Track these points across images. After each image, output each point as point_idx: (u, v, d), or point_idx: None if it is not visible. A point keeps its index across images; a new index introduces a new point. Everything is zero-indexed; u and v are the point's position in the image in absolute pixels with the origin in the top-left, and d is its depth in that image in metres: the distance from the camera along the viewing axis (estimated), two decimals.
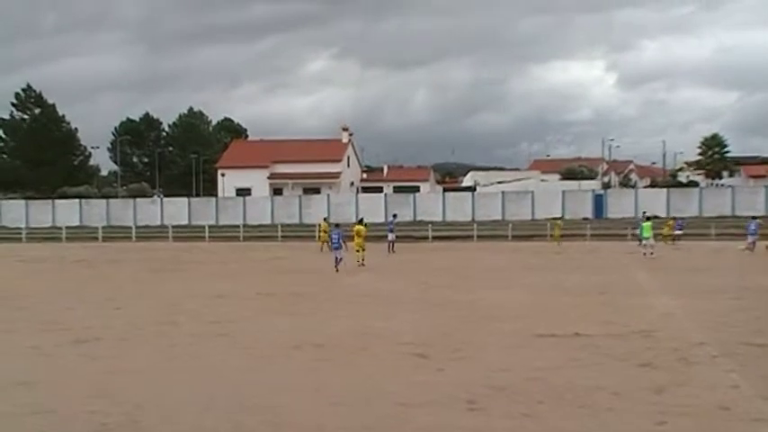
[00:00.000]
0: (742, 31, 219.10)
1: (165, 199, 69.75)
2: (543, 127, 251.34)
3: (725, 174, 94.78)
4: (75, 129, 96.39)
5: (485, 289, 20.99)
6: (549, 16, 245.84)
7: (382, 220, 52.01)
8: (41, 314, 17.28)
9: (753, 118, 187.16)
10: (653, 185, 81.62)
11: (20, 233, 56.40)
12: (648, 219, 35.18)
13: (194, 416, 8.69)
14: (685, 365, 10.96)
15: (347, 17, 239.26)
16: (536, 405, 8.89)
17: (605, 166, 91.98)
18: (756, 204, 55.04)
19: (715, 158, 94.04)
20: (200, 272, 28.82)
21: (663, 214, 52.26)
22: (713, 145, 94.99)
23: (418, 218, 58.92)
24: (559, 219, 47.94)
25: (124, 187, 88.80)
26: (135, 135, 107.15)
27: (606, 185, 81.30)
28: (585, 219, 56.07)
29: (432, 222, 54.48)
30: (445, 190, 76.74)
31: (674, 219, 43.44)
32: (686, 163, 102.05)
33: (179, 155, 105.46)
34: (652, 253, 31.70)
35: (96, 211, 64.15)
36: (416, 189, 75.44)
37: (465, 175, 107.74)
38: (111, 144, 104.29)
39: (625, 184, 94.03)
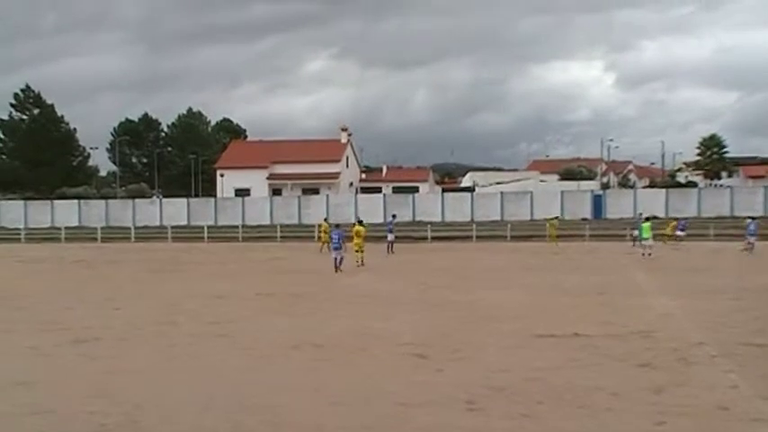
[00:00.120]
0: (741, 32, 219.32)
1: (164, 199, 69.69)
2: (542, 127, 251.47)
3: (724, 174, 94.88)
4: (74, 129, 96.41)
5: (484, 289, 20.99)
6: (549, 16, 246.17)
7: (381, 220, 52.05)
8: (40, 314, 17.27)
9: (752, 118, 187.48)
10: (652, 186, 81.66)
11: (19, 234, 56.38)
12: (648, 219, 35.22)
13: (194, 416, 8.69)
14: (684, 366, 10.97)
15: (347, 17, 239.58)
16: (535, 405, 8.89)
17: (604, 167, 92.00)
18: (755, 205, 55.05)
19: (714, 159, 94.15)
20: (199, 272, 28.82)
21: (662, 215, 52.30)
22: (712, 145, 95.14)
23: (417, 218, 58.89)
24: (555, 218, 47.88)
25: (123, 188, 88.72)
26: (134, 135, 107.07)
27: (605, 186, 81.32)
28: (584, 219, 56.09)
29: (431, 223, 54.49)
30: (444, 190, 76.74)
31: (677, 219, 43.49)
32: (685, 163, 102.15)
33: (178, 155, 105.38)
34: (650, 254, 31.72)
35: (95, 212, 64.10)
36: (415, 189, 75.42)
37: (464, 175, 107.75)
38: (110, 144, 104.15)
39: (624, 184, 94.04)
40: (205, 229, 54.91)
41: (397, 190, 75.92)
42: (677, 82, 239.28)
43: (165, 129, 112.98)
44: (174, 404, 9.19)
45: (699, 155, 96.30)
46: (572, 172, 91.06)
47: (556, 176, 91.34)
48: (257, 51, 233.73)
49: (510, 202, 60.34)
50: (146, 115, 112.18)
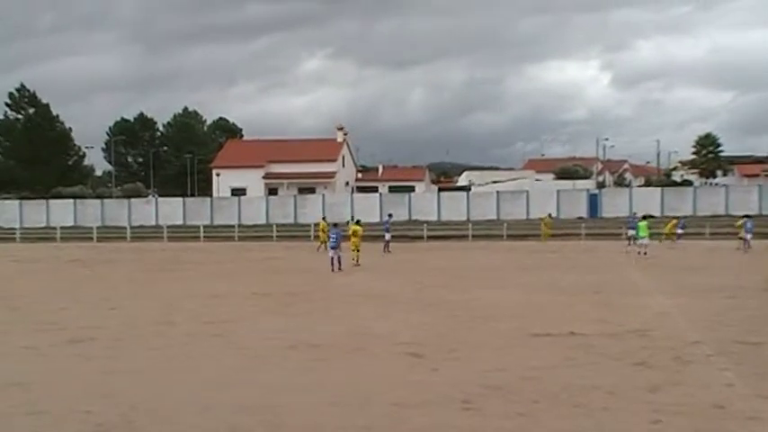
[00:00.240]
0: (737, 32, 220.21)
1: (160, 199, 69.63)
2: (538, 126, 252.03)
3: (719, 173, 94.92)
4: (70, 128, 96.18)
5: (480, 288, 21.01)
6: (546, 16, 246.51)
7: (377, 219, 52.07)
8: (36, 314, 17.24)
9: (747, 118, 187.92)
10: (647, 185, 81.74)
11: (14, 233, 56.32)
12: (645, 218, 35.29)
13: (190, 416, 8.68)
14: (680, 364, 10.98)
15: (343, 17, 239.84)
16: (531, 404, 8.90)
17: (600, 166, 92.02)
18: (750, 203, 55.18)
19: (709, 158, 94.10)
20: (195, 272, 28.79)
21: (657, 213, 52.42)
22: (707, 144, 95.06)
23: (413, 217, 58.96)
24: (548, 216, 47.92)
25: (119, 187, 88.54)
26: (129, 135, 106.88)
27: (601, 185, 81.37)
28: (580, 218, 56.16)
29: (427, 222, 54.54)
30: (440, 190, 76.77)
31: (677, 218, 43.66)
32: (680, 162, 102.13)
33: (174, 155, 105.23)
34: (645, 252, 31.78)
35: (91, 212, 64.05)
36: (411, 189, 75.43)
37: (460, 174, 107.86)
38: (106, 144, 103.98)
39: (620, 183, 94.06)
40: (201, 228, 54.90)
41: (393, 189, 75.91)
42: (673, 81, 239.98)
43: (161, 128, 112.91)
44: (170, 405, 9.18)
45: (694, 154, 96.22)
46: (568, 171, 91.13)
47: (552, 175, 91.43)
48: (253, 51, 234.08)
49: (506, 201, 60.43)
50: (141, 115, 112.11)
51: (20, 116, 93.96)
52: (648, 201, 56.95)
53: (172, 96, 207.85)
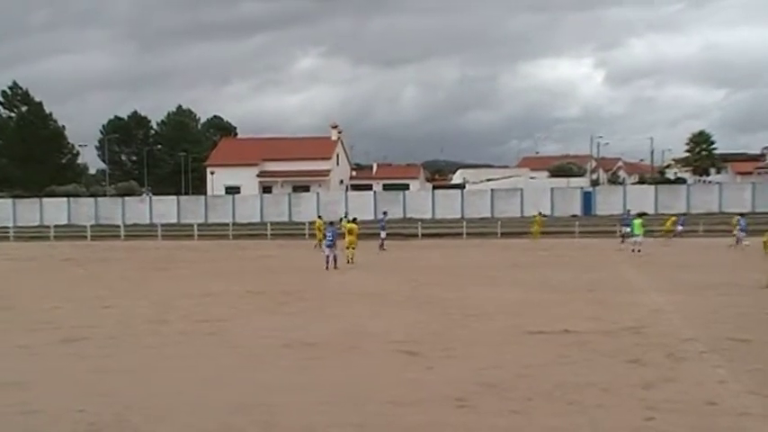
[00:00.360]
0: (729, 29, 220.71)
1: (154, 197, 69.51)
2: (532, 124, 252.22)
3: (712, 170, 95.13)
4: (63, 127, 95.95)
5: (474, 286, 21.04)
6: (538, 14, 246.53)
7: (372, 217, 52.05)
8: (30, 313, 17.21)
9: (740, 115, 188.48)
10: (641, 182, 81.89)
11: (7, 232, 56.16)
12: (640, 215, 35.38)
13: (184, 415, 8.68)
14: (673, 361, 11.03)
15: (337, 15, 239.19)
16: (525, 402, 8.92)
17: (594, 164, 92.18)
18: (743, 201, 55.35)
19: (702, 155, 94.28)
20: (189, 270, 28.76)
21: (651, 211, 52.53)
22: (701, 142, 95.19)
23: (408, 215, 58.95)
24: (539, 215, 48.01)
25: (113, 186, 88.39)
26: (123, 133, 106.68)
27: (595, 183, 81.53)
28: (574, 216, 56.24)
29: (421, 220, 54.54)
30: (435, 188, 76.77)
31: (677, 216, 43.90)
32: (674, 160, 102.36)
33: (168, 153, 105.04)
34: (639, 250, 31.84)
35: (85, 210, 63.87)
36: (406, 187, 75.35)
37: (454, 172, 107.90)
38: (100, 142, 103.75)
39: (613, 181, 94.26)
40: (195, 226, 54.81)
41: (387, 187, 75.83)
42: (665, 79, 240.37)
43: (155, 126, 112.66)
44: (164, 403, 9.17)
45: (687, 151, 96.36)
46: (562, 169, 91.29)
47: (546, 173, 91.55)
48: (247, 49, 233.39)
49: (500, 199, 60.47)
50: (135, 113, 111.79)
51: (13, 114, 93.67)
52: (642, 198, 57.06)
53: (166, 94, 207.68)
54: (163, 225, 56.52)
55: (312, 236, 43.07)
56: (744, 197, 56.79)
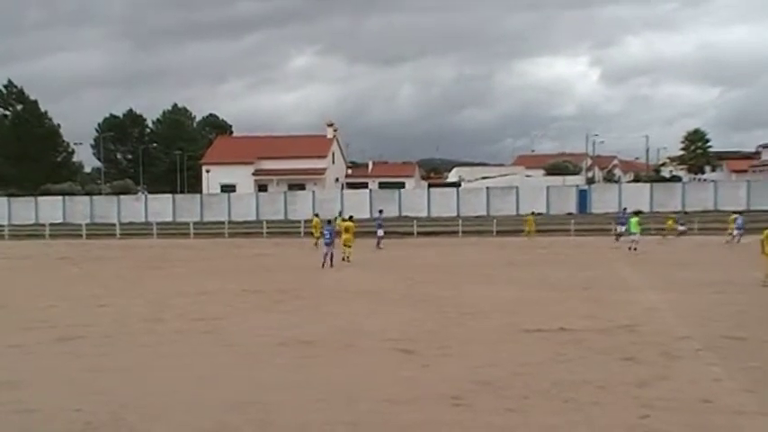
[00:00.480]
0: (724, 28, 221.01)
1: (150, 196, 69.27)
2: (528, 123, 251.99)
3: (707, 169, 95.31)
4: (58, 125, 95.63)
5: (470, 284, 21.06)
6: (534, 12, 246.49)
7: (367, 216, 52.05)
8: (25, 312, 17.17)
9: (734, 114, 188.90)
10: (636, 180, 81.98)
11: (2, 230, 56.05)
12: (637, 213, 35.44)
13: (180, 414, 8.67)
14: (668, 359, 11.05)
15: (332, 13, 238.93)
16: (521, 400, 8.94)
17: (589, 162, 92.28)
18: (738, 199, 55.40)
19: (698, 153, 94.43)
20: (184, 269, 28.73)
21: (646, 209, 52.59)
22: (696, 140, 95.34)
23: (403, 214, 58.90)
24: (531, 214, 48.09)
25: (108, 184, 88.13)
26: (119, 131, 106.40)
27: (590, 181, 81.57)
28: (570, 214, 56.28)
29: (417, 218, 54.53)
30: (430, 186, 76.74)
31: (675, 215, 44.14)
32: (669, 158, 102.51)
33: (163, 151, 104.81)
34: (635, 248, 31.88)
35: (80, 208, 63.69)
36: (401, 185, 75.36)
37: (450, 170, 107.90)
38: (95, 141, 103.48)
39: (609, 179, 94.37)
40: (191, 225, 54.75)
41: (383, 185, 75.81)
42: (661, 77, 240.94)
43: (150, 125, 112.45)
44: (160, 402, 9.17)
45: (683, 149, 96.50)
46: (557, 167, 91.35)
47: (541, 171, 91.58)
48: (243, 47, 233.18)
49: (496, 197, 60.43)
50: (130, 111, 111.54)
51: (8, 113, 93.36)
52: (638, 196, 57.05)
53: (161, 93, 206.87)
54: (158, 223, 56.44)
55: (309, 234, 43.07)
56: (739, 195, 56.85)
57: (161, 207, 63.06)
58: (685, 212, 46.17)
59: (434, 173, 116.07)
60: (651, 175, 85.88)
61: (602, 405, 8.67)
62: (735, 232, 34.89)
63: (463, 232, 48.46)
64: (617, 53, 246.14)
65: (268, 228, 53.20)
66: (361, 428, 8.06)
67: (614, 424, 8.02)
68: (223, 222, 56.40)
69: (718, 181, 71.67)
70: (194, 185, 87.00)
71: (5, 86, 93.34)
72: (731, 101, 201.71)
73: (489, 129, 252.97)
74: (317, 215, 42.10)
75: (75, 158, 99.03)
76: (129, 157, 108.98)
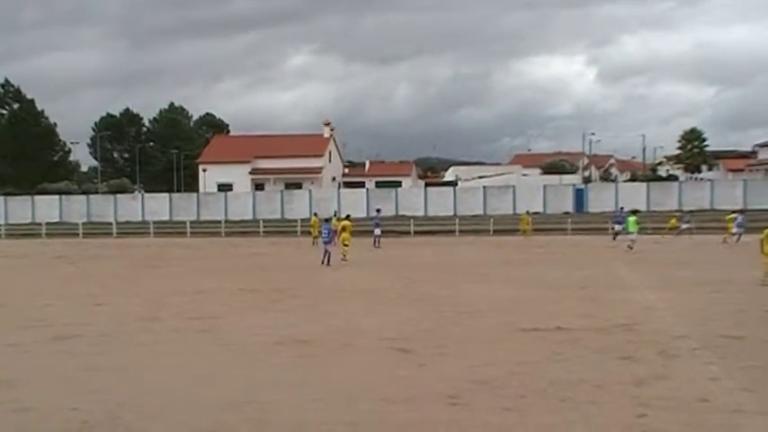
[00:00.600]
0: (720, 27, 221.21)
1: (146, 194, 69.29)
2: (525, 122, 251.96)
3: (704, 168, 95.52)
4: (55, 124, 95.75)
5: (467, 284, 21.05)
6: (531, 11, 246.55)
7: (364, 215, 52.07)
8: (21, 311, 17.14)
9: (731, 113, 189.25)
10: (633, 179, 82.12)
11: None
12: (634, 213, 35.46)
13: (177, 412, 8.65)
14: (666, 358, 11.05)
15: (328, 12, 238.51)
16: (518, 399, 8.93)
17: (586, 161, 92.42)
18: (735, 198, 55.50)
19: (694, 152, 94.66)
20: (181, 268, 28.70)
21: (643, 208, 52.63)
22: (692, 139, 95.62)
23: (400, 213, 58.91)
24: (526, 213, 48.11)
25: (104, 183, 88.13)
26: (115, 130, 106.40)
27: (587, 180, 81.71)
28: (566, 213, 56.33)
29: (414, 217, 54.53)
30: (427, 185, 76.80)
31: (681, 214, 44.24)
32: (666, 157, 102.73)
33: (160, 150, 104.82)
34: (631, 248, 31.90)
35: (76, 207, 63.63)
36: (398, 184, 75.46)
37: (447, 169, 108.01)
38: (92, 140, 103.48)
39: (606, 178, 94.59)
40: (187, 224, 54.68)
41: (380, 185, 75.87)
42: (658, 76, 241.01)
43: (147, 124, 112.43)
44: (156, 401, 9.15)
45: (679, 149, 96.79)
46: (554, 166, 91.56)
47: (538, 170, 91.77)
48: (239, 46, 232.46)
49: (492, 196, 60.48)
50: (127, 110, 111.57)
51: (4, 112, 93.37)
52: (634, 195, 57.13)
53: (158, 92, 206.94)
54: (155, 222, 56.40)
55: (305, 233, 43.05)
56: (735, 194, 56.94)
57: (158, 206, 63.04)
58: (690, 211, 46.23)
59: (431, 172, 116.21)
60: (648, 175, 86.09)
61: (600, 404, 8.66)
62: (735, 230, 34.99)
63: (460, 231, 48.46)
64: (614, 52, 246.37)
65: (265, 227, 53.17)
66: (358, 428, 8.04)
67: (611, 423, 8.01)
68: (220, 221, 56.39)
69: (714, 180, 71.84)
70: (191, 184, 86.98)
71: (2, 85, 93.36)
72: (728, 100, 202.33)
73: (486, 128, 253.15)
74: (315, 214, 42.06)
75: (71, 157, 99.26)
76: (126, 156, 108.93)
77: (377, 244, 36.92)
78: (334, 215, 40.46)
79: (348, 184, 79.16)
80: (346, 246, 29.03)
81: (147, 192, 75.44)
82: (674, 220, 42.07)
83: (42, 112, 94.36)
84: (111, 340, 13.28)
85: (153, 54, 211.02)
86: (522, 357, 11.18)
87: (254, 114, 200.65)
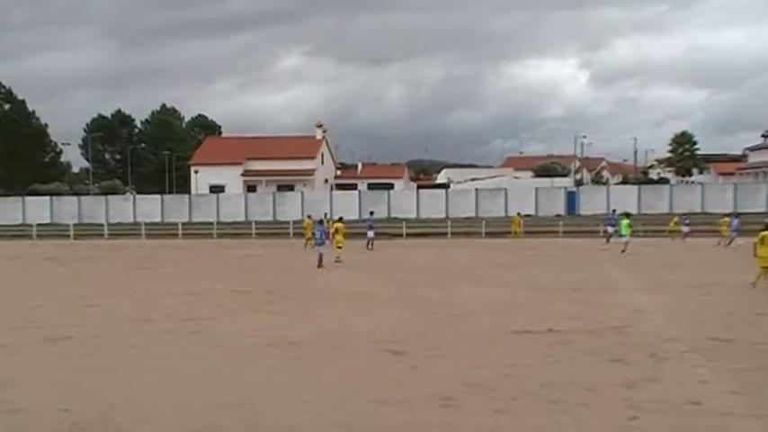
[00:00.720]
0: (713, 30, 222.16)
1: (138, 196, 69.13)
2: (517, 124, 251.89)
3: (695, 171, 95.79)
4: (46, 125, 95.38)
5: (459, 286, 21.08)
6: (523, 14, 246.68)
7: (357, 217, 52.10)
8: (12, 312, 17.07)
9: (722, 116, 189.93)
10: (624, 182, 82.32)
11: None
12: (627, 216, 35.59)
13: (168, 414, 8.64)
14: (656, 361, 11.09)
15: (320, 14, 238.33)
16: (510, 401, 8.95)
17: (578, 164, 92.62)
18: (725, 201, 55.80)
19: (685, 156, 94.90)
20: (173, 269, 28.64)
21: (634, 211, 52.82)
22: (683, 142, 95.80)
23: (392, 215, 59.01)
24: (517, 215, 48.24)
25: (96, 184, 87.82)
26: (107, 132, 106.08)
27: (578, 182, 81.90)
28: (558, 216, 56.48)
29: (406, 219, 54.60)
30: (419, 187, 76.90)
31: (681, 215, 44.44)
32: (657, 160, 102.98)
33: (152, 152, 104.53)
34: (624, 250, 32.01)
35: (67, 209, 63.46)
36: (390, 186, 75.51)
37: (439, 172, 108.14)
38: (83, 141, 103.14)
39: (597, 181, 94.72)
40: (179, 225, 54.62)
41: (372, 187, 75.91)
42: (649, 80, 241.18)
43: (139, 125, 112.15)
44: (148, 403, 9.13)
45: (670, 152, 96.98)
46: (546, 169, 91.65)
47: (530, 173, 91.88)
48: (231, 47, 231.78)
49: (484, 198, 60.63)
50: (119, 111, 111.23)
51: None
52: (626, 198, 57.37)
53: (149, 93, 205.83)
54: (147, 224, 56.32)
55: (297, 235, 43.02)
56: (726, 198, 57.27)
57: (149, 207, 62.95)
58: (682, 214, 46.40)
59: (423, 174, 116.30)
60: (639, 177, 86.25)
61: (591, 407, 8.69)
62: (732, 234, 35.23)
63: (452, 234, 48.55)
64: (606, 55, 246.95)
65: (257, 228, 53.14)
66: (350, 430, 8.05)
67: (602, 426, 8.04)
68: (212, 223, 56.33)
69: (705, 183, 72.16)
70: (183, 186, 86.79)
71: None
72: (719, 104, 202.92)
73: (478, 130, 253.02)
74: (309, 216, 42.07)
75: (62, 158, 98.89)
76: (118, 157, 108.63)
77: (370, 246, 36.95)
78: (325, 217, 40.46)
79: (340, 186, 79.18)
80: (339, 248, 29.10)
81: (138, 193, 75.22)
82: (673, 223, 42.19)
83: (33, 112, 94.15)
84: (103, 342, 13.24)
85: (145, 55, 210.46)
86: (514, 360, 11.21)
87: (247, 116, 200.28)
